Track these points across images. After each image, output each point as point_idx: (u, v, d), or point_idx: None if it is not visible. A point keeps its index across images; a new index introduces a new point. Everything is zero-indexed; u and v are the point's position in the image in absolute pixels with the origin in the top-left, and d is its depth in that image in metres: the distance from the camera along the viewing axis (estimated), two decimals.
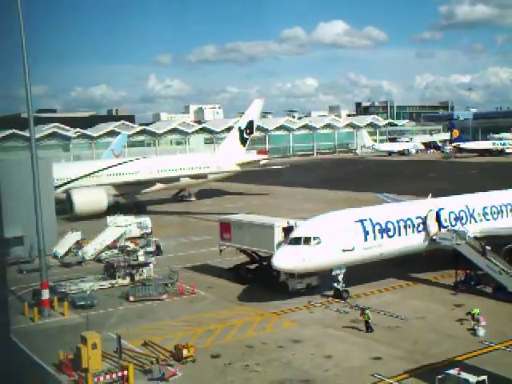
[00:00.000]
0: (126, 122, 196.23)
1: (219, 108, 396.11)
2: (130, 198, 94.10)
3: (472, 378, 26.67)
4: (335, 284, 44.08)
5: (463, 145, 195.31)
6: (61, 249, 59.96)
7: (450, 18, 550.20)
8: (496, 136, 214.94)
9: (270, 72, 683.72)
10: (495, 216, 52.97)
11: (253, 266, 50.44)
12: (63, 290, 46.44)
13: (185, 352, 33.15)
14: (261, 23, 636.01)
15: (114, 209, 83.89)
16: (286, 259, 41.77)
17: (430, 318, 39.50)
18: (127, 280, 49.95)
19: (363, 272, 46.90)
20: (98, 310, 43.79)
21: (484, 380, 26.90)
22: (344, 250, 42.66)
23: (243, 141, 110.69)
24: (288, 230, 44.67)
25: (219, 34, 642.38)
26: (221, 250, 52.22)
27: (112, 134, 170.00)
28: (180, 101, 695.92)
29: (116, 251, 58.72)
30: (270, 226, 46.60)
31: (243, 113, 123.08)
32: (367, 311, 37.50)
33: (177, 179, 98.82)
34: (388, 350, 34.22)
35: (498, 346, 34.38)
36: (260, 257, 49.13)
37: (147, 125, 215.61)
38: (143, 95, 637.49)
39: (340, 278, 43.86)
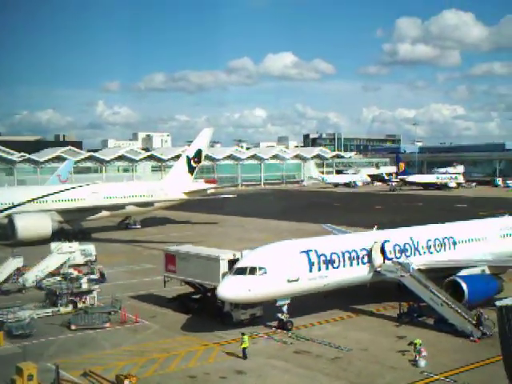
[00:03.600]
0: (73, 148, 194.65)
1: (168, 136, 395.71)
2: (74, 225, 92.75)
3: None
4: (279, 314, 43.98)
5: (409, 178, 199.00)
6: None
7: (394, 56, 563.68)
8: (440, 170, 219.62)
9: (218, 101, 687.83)
10: (438, 249, 53.77)
11: (197, 296, 50.04)
12: None
13: (126, 382, 32.47)
14: (209, 53, 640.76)
15: (58, 235, 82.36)
16: (231, 289, 41.56)
17: (373, 350, 39.67)
18: (70, 308, 48.97)
19: (308, 303, 46.99)
20: (37, 338, 42.53)
21: None
22: (289, 281, 42.67)
23: (191, 169, 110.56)
24: (234, 263, 44.47)
25: (168, 62, 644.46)
26: (165, 282, 51.71)
27: (58, 159, 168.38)
28: (128, 128, 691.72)
29: (59, 278, 57.54)
30: (215, 259, 46.34)
31: (192, 141, 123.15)
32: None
33: (123, 207, 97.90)
34: (331, 382, 34.22)
35: (437, 376, 34.74)
36: (205, 288, 48.77)
37: (95, 151, 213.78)
38: (91, 121, 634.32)
39: (284, 308, 43.80)
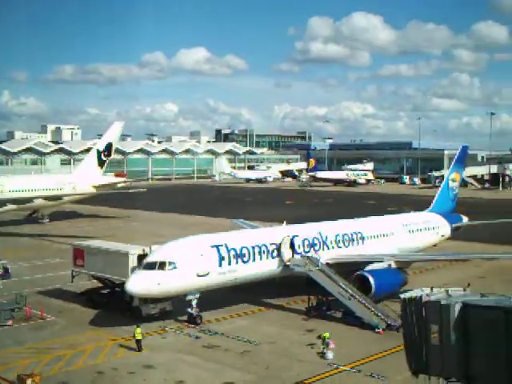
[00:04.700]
0: None
1: (78, 129, 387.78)
2: None
3: None
4: (189, 309, 43.84)
5: (319, 174, 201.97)
6: None
7: (306, 54, 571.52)
8: (350, 167, 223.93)
9: (130, 95, 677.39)
10: (346, 244, 54.78)
11: (106, 291, 49.29)
12: None
13: (28, 382, 31.25)
14: (122, 46, 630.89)
15: None
16: (140, 284, 41.12)
17: (281, 343, 40.07)
18: None
19: (217, 297, 47.03)
20: None
21: None
22: (199, 275, 42.57)
23: (101, 163, 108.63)
24: (143, 258, 44.00)
25: (79, 54, 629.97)
26: (73, 276, 50.67)
27: None
28: (36, 120, 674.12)
29: None
30: (124, 254, 45.77)
31: (102, 135, 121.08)
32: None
33: (30, 200, 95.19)
34: (240, 376, 34.35)
35: (344, 367, 35.45)
36: (113, 283, 48.08)
37: (0, 142, 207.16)
38: None
39: (194, 303, 43.66)
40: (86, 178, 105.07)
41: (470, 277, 52.47)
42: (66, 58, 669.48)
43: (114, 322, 43.65)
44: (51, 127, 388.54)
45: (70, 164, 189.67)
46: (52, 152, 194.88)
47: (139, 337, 38.04)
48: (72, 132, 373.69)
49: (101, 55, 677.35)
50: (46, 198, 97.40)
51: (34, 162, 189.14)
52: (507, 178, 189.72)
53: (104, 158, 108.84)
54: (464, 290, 25.11)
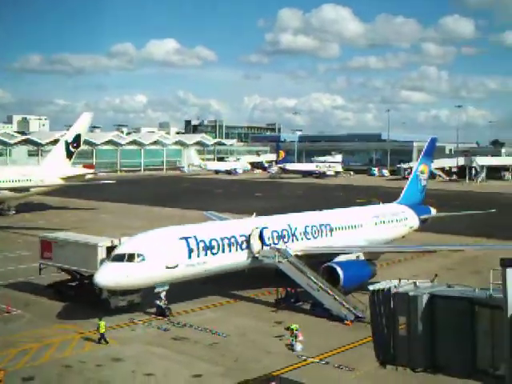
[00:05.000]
0: None
1: (46, 119, 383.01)
2: None
3: None
4: (158, 301, 43.68)
5: (288, 166, 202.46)
6: None
7: (275, 45, 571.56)
8: (319, 159, 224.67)
9: (98, 86, 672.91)
10: (315, 235, 54.94)
11: (74, 283, 48.87)
12: None
13: None
14: (90, 36, 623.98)
15: None
16: (108, 276, 40.80)
17: (250, 335, 40.12)
18: None
19: (186, 289, 46.90)
20: None
21: None
22: (168, 267, 42.37)
23: (69, 154, 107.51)
24: (112, 250, 43.69)
25: (46, 43, 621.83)
26: (41, 269, 50.14)
27: None
28: (1, 110, 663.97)
29: None
30: (93, 246, 45.40)
31: (71, 126, 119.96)
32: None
33: None
34: (209, 368, 34.31)
35: (312, 359, 35.60)
36: (82, 275, 47.68)
37: None
38: None
39: (163, 295, 43.49)
40: (54, 169, 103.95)
41: (438, 268, 52.85)
42: (33, 47, 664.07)
43: (81, 314, 43.23)
44: (17, 118, 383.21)
45: (37, 155, 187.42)
46: (18, 143, 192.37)
47: (103, 330, 37.84)
48: (40, 123, 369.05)
49: (69, 45, 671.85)
50: (13, 190, 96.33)
51: None
52: (474, 171, 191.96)
53: (72, 150, 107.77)
54: (431, 281, 25.31)
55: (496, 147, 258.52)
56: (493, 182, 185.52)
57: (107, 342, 37.70)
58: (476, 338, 21.96)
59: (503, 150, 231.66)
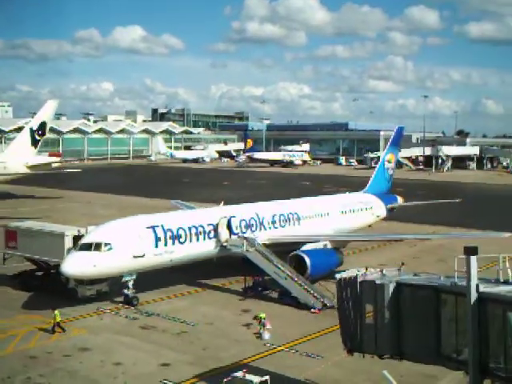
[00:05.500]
0: None
1: (8, 106, 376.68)
2: None
3: (255, 379, 27.62)
4: (125, 290, 43.52)
5: (256, 155, 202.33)
6: None
7: (242, 33, 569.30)
8: (287, 148, 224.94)
9: (63, 72, 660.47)
10: (283, 224, 55.13)
11: (40, 273, 48.41)
12: None
13: None
14: (54, 21, 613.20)
15: None
16: (75, 265, 40.48)
17: (218, 324, 40.18)
18: None
19: (154, 278, 46.80)
20: None
21: (266, 380, 27.97)
22: (135, 257, 42.21)
23: (34, 142, 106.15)
24: (79, 239, 43.35)
25: (7, 27, 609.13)
26: (5, 259, 49.58)
27: None
28: None
29: None
30: (59, 235, 44.95)
31: (35, 113, 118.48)
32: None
33: None
34: (177, 356, 34.32)
35: (280, 347, 35.78)
36: (48, 264, 47.25)
37: None
38: None
39: (130, 284, 43.37)
40: (19, 157, 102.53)
41: (404, 257, 53.46)
42: None
43: (47, 305, 42.64)
44: None
45: (0, 143, 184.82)
46: None
47: (58, 319, 37.52)
48: (2, 109, 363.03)
49: (31, 30, 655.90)
50: None
51: None
52: (440, 160, 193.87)
53: (38, 138, 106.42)
54: (398, 269, 25.61)
55: (461, 137, 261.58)
56: (458, 171, 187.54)
57: (64, 330, 37.46)
58: (440, 324, 22.32)
59: (468, 140, 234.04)
